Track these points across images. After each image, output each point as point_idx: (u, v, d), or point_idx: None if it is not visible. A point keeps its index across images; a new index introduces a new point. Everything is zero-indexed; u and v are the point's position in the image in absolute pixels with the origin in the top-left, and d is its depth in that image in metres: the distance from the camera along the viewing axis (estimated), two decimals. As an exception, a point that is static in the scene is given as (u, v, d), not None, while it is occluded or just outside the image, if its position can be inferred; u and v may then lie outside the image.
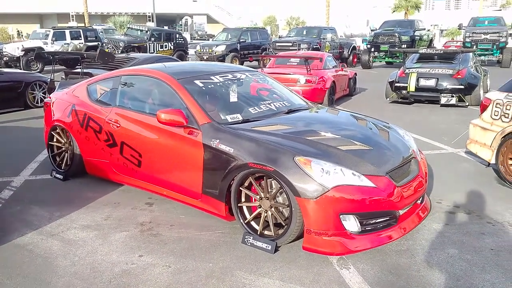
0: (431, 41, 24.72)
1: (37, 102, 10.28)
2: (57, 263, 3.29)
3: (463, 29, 23.80)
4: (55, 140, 5.35)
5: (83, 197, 4.60)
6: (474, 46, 21.46)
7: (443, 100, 10.31)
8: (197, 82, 4.37)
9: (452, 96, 10.26)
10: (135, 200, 4.51)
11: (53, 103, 5.51)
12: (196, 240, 3.66)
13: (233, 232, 3.76)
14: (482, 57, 21.58)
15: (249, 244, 3.54)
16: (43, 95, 10.39)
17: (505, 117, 5.14)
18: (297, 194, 3.27)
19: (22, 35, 38.89)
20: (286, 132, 3.82)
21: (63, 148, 5.26)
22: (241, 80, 4.79)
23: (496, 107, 5.29)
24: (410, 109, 10.42)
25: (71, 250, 3.49)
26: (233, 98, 4.45)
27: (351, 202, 3.28)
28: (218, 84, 4.51)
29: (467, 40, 22.32)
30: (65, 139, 5.23)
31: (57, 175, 5.21)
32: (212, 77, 4.53)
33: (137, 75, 4.86)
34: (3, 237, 3.67)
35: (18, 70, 13.62)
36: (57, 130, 5.30)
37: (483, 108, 5.51)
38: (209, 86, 4.44)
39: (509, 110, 5.10)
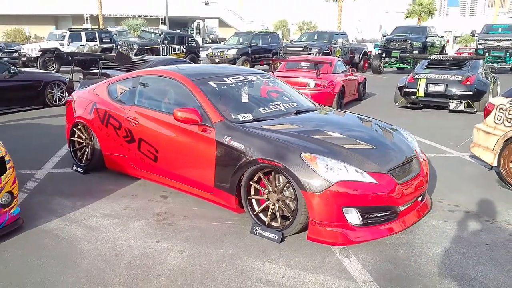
0: (443, 47, 24.80)
1: (56, 101, 10.65)
2: (81, 246, 3.58)
3: (476, 36, 23.84)
4: (76, 136, 5.66)
5: (103, 189, 4.90)
6: (487, 53, 21.52)
7: (452, 106, 10.48)
8: (211, 83, 4.65)
9: (461, 102, 10.42)
10: (151, 193, 4.79)
11: (75, 101, 5.82)
12: (208, 230, 3.93)
13: (243, 223, 4.02)
14: (495, 65, 21.64)
15: (257, 234, 3.79)
16: (61, 94, 10.76)
17: (507, 121, 5.34)
18: (303, 188, 3.52)
19: (29, 37, 39.62)
20: (294, 131, 4.08)
21: (84, 144, 5.57)
22: (252, 82, 5.06)
23: (499, 112, 5.49)
24: (418, 114, 10.61)
25: (94, 235, 3.78)
26: (245, 98, 4.72)
27: (353, 197, 3.53)
28: (230, 85, 4.78)
29: (480, 47, 22.38)
30: (86, 135, 5.54)
31: (78, 169, 5.52)
32: (225, 79, 4.81)
33: (155, 76, 5.15)
34: (30, 223, 3.98)
35: (38, 70, 14.06)
36: (79, 127, 5.60)
37: (487, 113, 5.71)
38: (222, 87, 4.71)
39: (511, 115, 5.30)
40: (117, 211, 4.33)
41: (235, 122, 4.21)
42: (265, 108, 4.66)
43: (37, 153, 6.38)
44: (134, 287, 3.02)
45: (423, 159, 4.42)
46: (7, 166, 3.67)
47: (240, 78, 4.97)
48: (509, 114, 5.31)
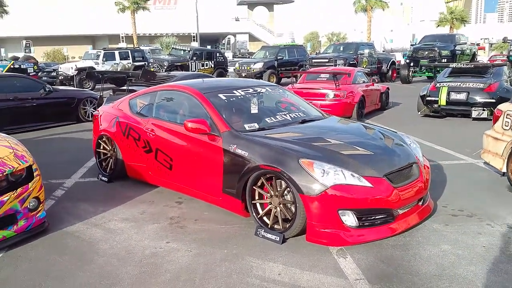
0: (474, 55, 24.41)
1: (88, 117, 11.23)
2: (99, 246, 3.93)
3: (508, 42, 23.40)
4: (101, 147, 6.09)
5: (124, 196, 5.28)
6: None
7: (474, 114, 10.42)
8: (221, 95, 4.97)
9: (484, 110, 10.34)
10: (167, 199, 5.13)
11: (100, 115, 6.27)
12: (215, 232, 4.21)
13: (248, 227, 4.28)
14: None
15: (260, 236, 4.04)
16: (93, 110, 11.35)
17: (514, 127, 5.40)
18: (300, 191, 3.76)
19: (67, 57, 41.52)
20: (295, 139, 4.33)
21: (108, 155, 5.99)
22: (261, 94, 5.35)
23: (506, 117, 5.56)
24: (440, 122, 10.61)
25: (111, 236, 4.14)
26: (254, 109, 5.01)
27: (348, 200, 3.73)
28: (239, 97, 5.08)
29: (512, 53, 21.98)
30: (110, 147, 5.95)
31: (103, 178, 5.94)
32: (234, 91, 5.12)
33: (170, 90, 5.52)
34: (55, 226, 4.38)
35: (71, 88, 14.86)
36: (104, 139, 6.03)
37: (496, 119, 5.78)
38: (231, 99, 5.02)
39: (518, 120, 5.37)
40: (134, 215, 4.68)
41: (241, 131, 4.50)
42: (271, 118, 4.93)
43: (68, 164, 6.86)
44: (141, 281, 3.33)
45: (425, 165, 4.57)
46: (34, 174, 4.08)
47: (249, 90, 5.26)
48: (516, 120, 5.38)
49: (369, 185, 3.82)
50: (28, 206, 4.00)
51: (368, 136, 4.69)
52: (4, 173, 3.82)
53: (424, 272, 3.43)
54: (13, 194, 3.85)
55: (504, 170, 5.48)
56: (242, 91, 5.17)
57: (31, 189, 3.99)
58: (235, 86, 5.31)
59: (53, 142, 8.94)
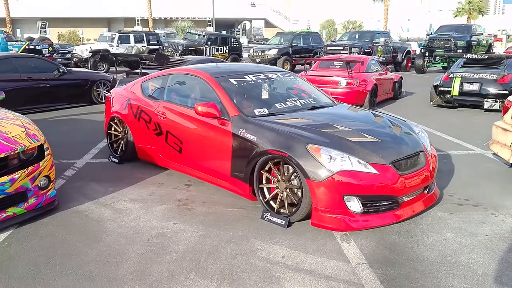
0: (489, 46, 24.01)
1: (101, 99, 11.36)
2: (107, 226, 4.03)
3: (526, 34, 22.95)
4: (113, 129, 6.19)
5: (134, 177, 5.37)
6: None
7: (487, 105, 10.33)
8: (232, 80, 5.01)
9: (496, 101, 10.25)
10: (176, 182, 5.22)
11: (112, 97, 6.35)
12: (222, 215, 4.29)
13: (255, 210, 4.35)
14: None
15: (266, 220, 4.11)
16: (106, 92, 11.47)
17: (524, 119, 5.37)
18: (307, 176, 3.80)
19: (83, 39, 41.67)
20: (304, 124, 4.36)
21: (119, 136, 6.08)
22: (272, 79, 5.38)
23: (517, 109, 5.52)
24: (452, 112, 10.53)
25: (119, 216, 4.23)
26: (265, 95, 5.04)
27: (353, 186, 3.77)
28: (250, 82, 5.11)
29: (528, 45, 21.54)
30: (121, 129, 6.04)
31: (114, 159, 6.04)
32: (245, 76, 5.15)
33: (182, 74, 5.57)
34: (64, 204, 4.49)
35: (85, 70, 14.96)
36: (115, 121, 6.12)
37: (505, 110, 5.75)
38: (242, 84, 5.06)
39: (528, 112, 5.33)
40: (143, 196, 4.77)
41: (251, 116, 4.55)
42: (282, 103, 4.96)
43: (80, 145, 6.98)
44: (148, 260, 3.41)
45: (432, 154, 4.57)
46: (46, 153, 4.17)
47: (260, 76, 5.29)
48: (527, 111, 5.34)
49: (375, 172, 3.85)
50: (39, 184, 4.11)
51: (376, 124, 4.70)
52: (16, 151, 3.91)
53: (426, 259, 3.47)
54: (24, 172, 3.95)
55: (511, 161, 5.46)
56: (253, 76, 5.20)
57: (42, 167, 4.09)
58: (246, 71, 5.34)
59: (65, 123, 9.08)
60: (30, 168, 3.99)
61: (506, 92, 10.08)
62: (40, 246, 3.65)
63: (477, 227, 4.04)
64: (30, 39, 24.18)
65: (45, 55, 19.49)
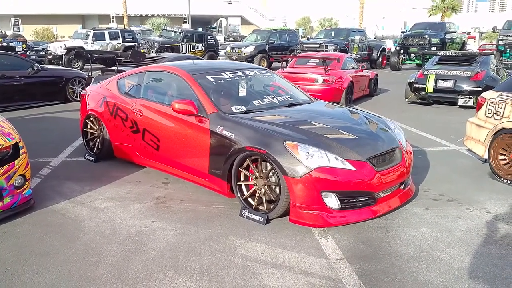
0: (463, 44, 24.53)
1: (76, 96, 11.15)
2: (84, 224, 3.97)
3: (497, 31, 23.50)
4: (89, 127, 6.09)
5: (110, 176, 5.30)
6: (508, 49, 21.22)
7: (461, 102, 10.55)
8: (209, 77, 4.99)
9: (470, 98, 10.47)
10: (153, 180, 5.17)
11: (88, 95, 6.25)
12: (200, 212, 4.27)
13: (233, 207, 4.34)
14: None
15: (245, 217, 4.11)
16: (81, 90, 11.27)
17: (497, 115, 5.50)
18: (285, 173, 3.82)
19: (57, 36, 40.78)
20: (281, 121, 4.38)
21: (95, 134, 5.99)
22: (249, 77, 5.38)
23: (489, 105, 5.65)
24: (427, 109, 10.72)
25: (96, 215, 4.18)
26: (242, 92, 5.04)
27: (331, 182, 3.80)
28: (227, 79, 5.10)
29: (500, 43, 22.02)
30: (97, 126, 5.95)
31: (90, 158, 5.96)
32: (222, 74, 5.14)
33: (159, 71, 5.52)
34: (41, 203, 4.41)
35: (59, 67, 14.67)
36: (91, 118, 6.03)
37: (479, 106, 5.88)
38: (219, 81, 5.04)
39: (501, 108, 5.46)
40: (120, 195, 4.72)
41: (228, 113, 4.54)
42: (259, 100, 4.96)
43: (55, 143, 6.85)
44: (126, 259, 3.38)
45: (408, 150, 4.65)
46: (21, 151, 4.08)
47: (237, 73, 5.28)
48: (498, 107, 5.48)
49: (352, 168, 3.89)
50: (14, 184, 4.02)
51: (353, 121, 4.75)
52: (-10, 150, 3.82)
53: (402, 254, 3.53)
54: (-1, 171, 3.86)
55: (486, 156, 5.59)
56: (230, 73, 5.19)
57: (17, 166, 4.00)
58: (223, 69, 5.32)
59: (40, 121, 8.90)
60: (5, 167, 3.91)
61: (480, 88, 10.30)
62: (16, 246, 3.57)
63: (453, 222, 4.13)
64: (3, 36, 23.56)
65: (19, 52, 19.07)
